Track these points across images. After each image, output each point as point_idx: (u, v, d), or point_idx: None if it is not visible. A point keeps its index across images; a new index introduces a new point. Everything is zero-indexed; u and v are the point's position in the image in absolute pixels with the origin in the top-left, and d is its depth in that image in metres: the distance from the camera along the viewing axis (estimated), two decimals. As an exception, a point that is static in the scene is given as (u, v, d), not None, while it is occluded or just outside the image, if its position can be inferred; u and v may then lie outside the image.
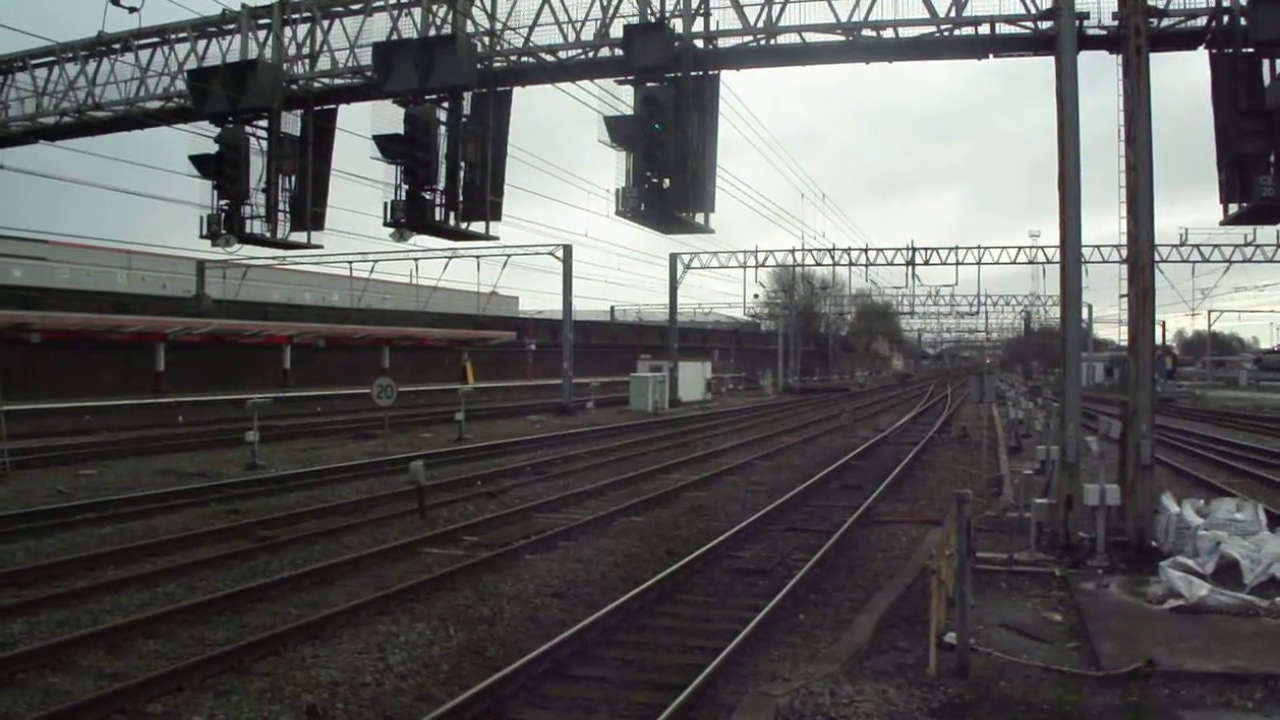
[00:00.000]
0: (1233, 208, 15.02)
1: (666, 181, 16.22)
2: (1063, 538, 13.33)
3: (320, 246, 19.87)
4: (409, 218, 17.14)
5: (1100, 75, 15.47)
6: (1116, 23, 13.92)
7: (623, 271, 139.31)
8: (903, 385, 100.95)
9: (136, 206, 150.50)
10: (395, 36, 17.25)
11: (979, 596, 10.61)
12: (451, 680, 8.81)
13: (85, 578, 12.22)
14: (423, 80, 16.36)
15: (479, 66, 16.86)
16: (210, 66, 18.63)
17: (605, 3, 16.46)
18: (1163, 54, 14.71)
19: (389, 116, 16.96)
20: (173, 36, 19.34)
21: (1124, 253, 14.33)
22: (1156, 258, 15.89)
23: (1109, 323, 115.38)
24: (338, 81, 18.44)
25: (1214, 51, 14.32)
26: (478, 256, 48.10)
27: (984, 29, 15.10)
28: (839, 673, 8.47)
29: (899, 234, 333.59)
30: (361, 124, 17.61)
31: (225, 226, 18.73)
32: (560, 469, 24.09)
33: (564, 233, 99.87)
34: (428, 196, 17.24)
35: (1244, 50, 14.03)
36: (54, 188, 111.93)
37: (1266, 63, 14.05)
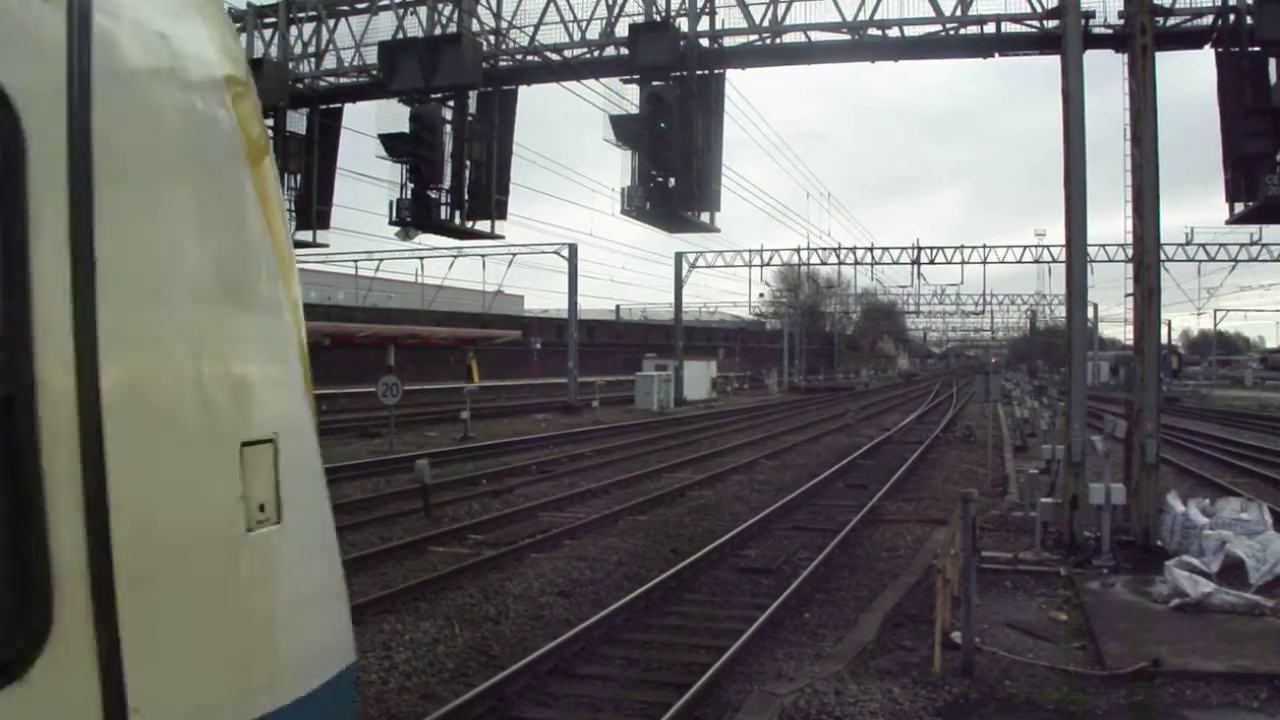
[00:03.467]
0: (1239, 206, 15.01)
1: (671, 180, 16.24)
2: (1068, 537, 13.33)
3: (326, 245, 19.96)
4: (414, 216, 17.18)
5: (1105, 74, 15.46)
6: (1122, 21, 13.91)
7: (628, 270, 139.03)
8: (908, 384, 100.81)
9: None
10: (401, 35, 17.29)
11: (984, 596, 10.61)
12: (456, 679, 8.83)
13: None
14: (428, 79, 16.39)
15: (484, 65, 16.89)
16: (216, 66, 18.67)
17: (610, 2, 16.48)
18: (1168, 53, 14.70)
19: (394, 115, 17.01)
20: (179, 36, 19.38)
21: (1129, 251, 14.29)
22: (1162, 257, 15.86)
23: (1114, 322, 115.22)
24: (343, 80, 18.49)
25: (1220, 50, 14.29)
26: (483, 255, 48.19)
27: (989, 28, 15.10)
28: (844, 672, 8.49)
29: (904, 233, 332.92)
30: (367, 123, 17.70)
31: (231, 225, 18.76)
32: (566, 467, 24.11)
33: (569, 231, 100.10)
34: (433, 195, 17.29)
35: (1250, 49, 14.01)
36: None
37: (1273, 61, 14.01)
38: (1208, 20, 14.23)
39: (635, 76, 16.23)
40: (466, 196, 17.57)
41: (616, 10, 16.47)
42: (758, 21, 15.96)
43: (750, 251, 61.15)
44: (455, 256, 48.42)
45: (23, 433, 1.64)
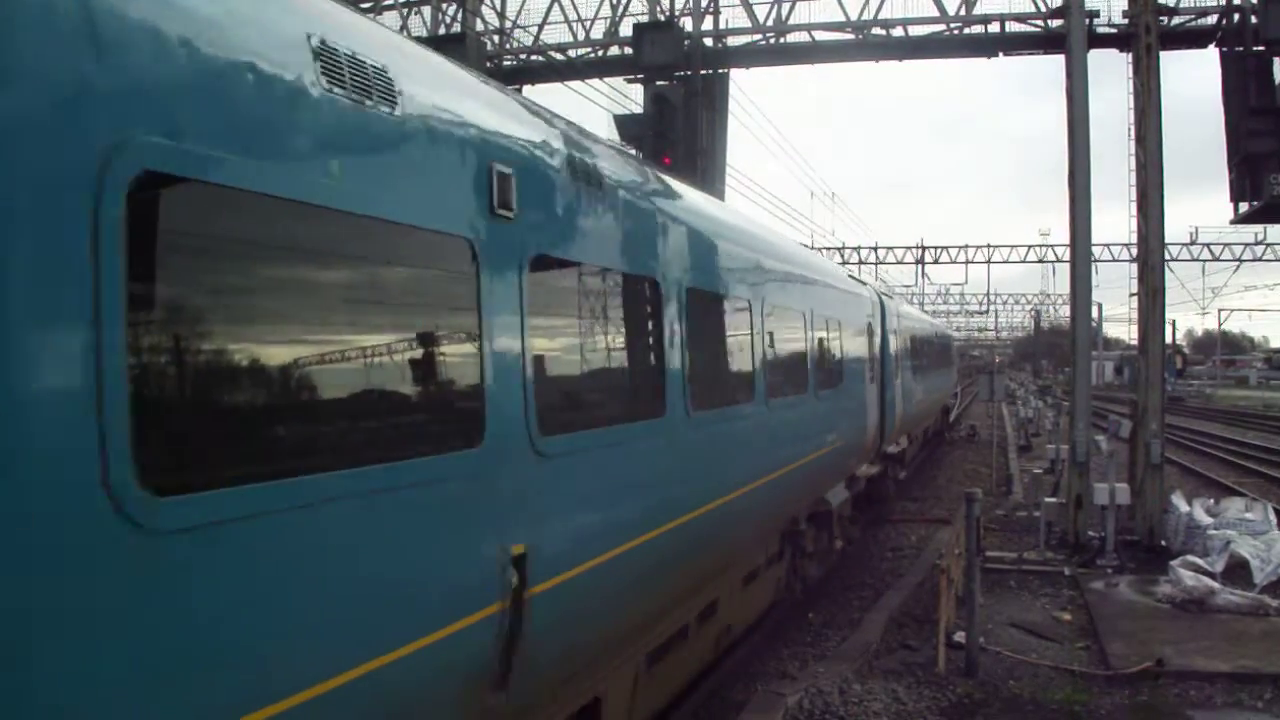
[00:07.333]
0: (1243, 206, 15.00)
1: (675, 180, 16.24)
2: (1072, 537, 13.33)
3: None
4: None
5: (1108, 75, 15.48)
6: (1126, 21, 13.91)
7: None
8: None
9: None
10: (405, 35, 17.31)
11: (988, 595, 10.62)
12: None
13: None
14: (432, 79, 16.39)
15: (488, 65, 16.89)
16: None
17: (615, 1, 16.50)
18: (1173, 52, 14.71)
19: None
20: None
21: (1134, 251, 14.31)
22: (1166, 256, 15.86)
23: (1119, 321, 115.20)
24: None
25: (1224, 50, 14.29)
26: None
27: (994, 27, 15.12)
28: (848, 671, 8.49)
29: (908, 232, 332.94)
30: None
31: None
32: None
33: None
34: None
35: (1254, 49, 14.00)
36: None
37: (1277, 61, 14.01)
38: (1212, 20, 14.24)
39: (639, 76, 16.24)
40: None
41: (620, 10, 16.51)
42: (762, 21, 15.97)
43: (753, 251, 60.88)
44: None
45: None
